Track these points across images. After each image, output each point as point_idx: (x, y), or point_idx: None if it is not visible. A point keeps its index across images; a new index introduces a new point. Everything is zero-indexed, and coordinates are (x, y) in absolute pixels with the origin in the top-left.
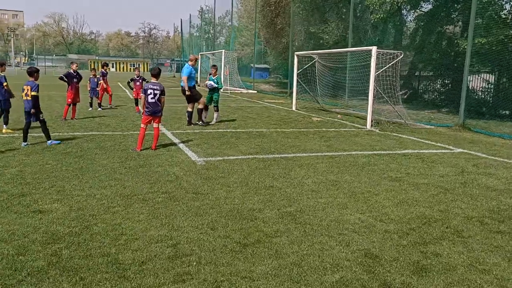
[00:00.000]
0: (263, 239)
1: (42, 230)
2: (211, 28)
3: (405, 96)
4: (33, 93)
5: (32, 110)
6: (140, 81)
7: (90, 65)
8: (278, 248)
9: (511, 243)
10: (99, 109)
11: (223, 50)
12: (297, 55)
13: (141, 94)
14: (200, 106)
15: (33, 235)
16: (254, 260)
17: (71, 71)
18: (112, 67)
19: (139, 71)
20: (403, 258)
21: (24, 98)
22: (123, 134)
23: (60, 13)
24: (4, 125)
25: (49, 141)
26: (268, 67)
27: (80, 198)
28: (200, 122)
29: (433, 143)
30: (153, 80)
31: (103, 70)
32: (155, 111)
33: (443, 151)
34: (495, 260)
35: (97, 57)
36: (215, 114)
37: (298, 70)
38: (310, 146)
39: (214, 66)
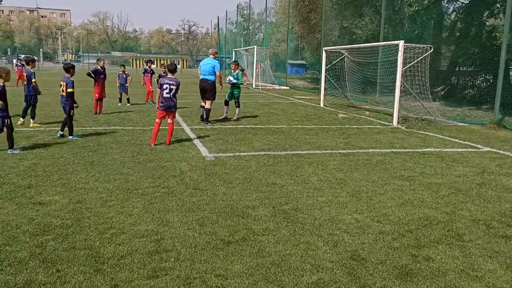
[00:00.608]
0: (249, 237)
1: (36, 221)
2: (250, 24)
3: (443, 92)
4: (68, 90)
5: (75, 105)
6: (150, 74)
7: (132, 62)
8: (261, 247)
9: None
10: (128, 104)
11: (255, 47)
12: (325, 51)
13: (157, 89)
14: (207, 106)
15: (26, 226)
16: (233, 258)
17: (99, 67)
18: (153, 63)
19: (151, 64)
20: (390, 261)
21: (61, 93)
22: (143, 129)
23: (105, 12)
24: (32, 119)
25: (71, 136)
26: (305, 63)
27: (82, 191)
28: (208, 123)
29: (460, 141)
30: (170, 75)
31: (146, 67)
32: (169, 106)
33: (469, 149)
34: (491, 266)
35: (139, 54)
36: (237, 110)
37: (327, 65)
38: (326, 143)
39: (234, 62)
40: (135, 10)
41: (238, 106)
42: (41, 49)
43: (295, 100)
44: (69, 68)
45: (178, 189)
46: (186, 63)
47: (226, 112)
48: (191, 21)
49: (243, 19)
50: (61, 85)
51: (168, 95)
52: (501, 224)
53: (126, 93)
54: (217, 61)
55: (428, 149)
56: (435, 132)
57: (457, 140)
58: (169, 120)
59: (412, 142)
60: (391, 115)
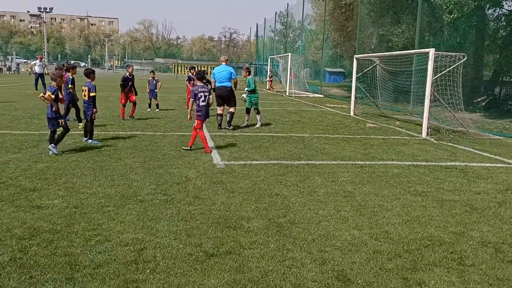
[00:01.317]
0: (234, 250)
1: (27, 225)
2: (290, 31)
3: (484, 103)
4: (91, 94)
5: (94, 110)
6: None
7: (174, 68)
8: (244, 262)
9: None
10: (157, 110)
11: (289, 54)
12: (357, 59)
13: (191, 99)
14: (232, 110)
15: (16, 230)
16: (211, 272)
17: (127, 74)
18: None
19: (194, 70)
20: (378, 284)
21: (83, 98)
22: (163, 134)
23: (150, 20)
24: (79, 122)
25: (90, 140)
26: (343, 71)
27: (82, 196)
28: (231, 127)
29: (490, 155)
30: (199, 83)
31: (189, 74)
32: (207, 113)
33: (497, 165)
34: None
35: (180, 61)
36: (258, 117)
37: (358, 73)
38: (345, 153)
39: (247, 68)
40: (179, 18)
41: (258, 113)
42: (89, 56)
43: (325, 109)
44: (89, 73)
45: (177, 197)
46: None
47: (247, 120)
48: (231, 29)
49: (283, 26)
50: (83, 90)
51: (204, 103)
52: (511, 248)
53: (156, 98)
54: (231, 67)
55: (452, 163)
56: (466, 145)
57: (487, 154)
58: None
59: (437, 155)
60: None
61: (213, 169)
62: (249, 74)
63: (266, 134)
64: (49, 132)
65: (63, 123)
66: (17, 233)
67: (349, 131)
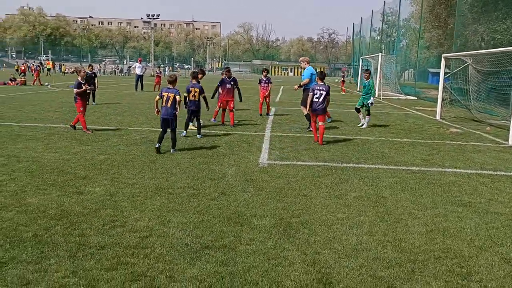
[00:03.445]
0: (229, 245)
1: (62, 208)
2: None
3: None
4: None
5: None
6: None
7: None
8: (233, 256)
9: None
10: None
11: (380, 54)
12: (445, 58)
13: (310, 93)
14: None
15: (51, 211)
16: (197, 262)
17: (225, 76)
18: (291, 71)
19: (267, 73)
20: None
21: (192, 99)
22: (225, 133)
23: (250, 23)
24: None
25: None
26: (449, 71)
27: (122, 186)
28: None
29: None
30: (320, 82)
31: (262, 76)
32: (322, 109)
33: None
34: None
35: (277, 62)
36: (367, 118)
37: (447, 74)
38: (403, 158)
39: (366, 70)
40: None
41: (368, 115)
42: (192, 58)
43: (410, 112)
44: (197, 75)
45: (205, 192)
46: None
47: (363, 118)
48: (330, 29)
49: (386, 26)
50: (192, 91)
51: (317, 100)
52: None
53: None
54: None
55: None
56: None
57: None
58: (320, 123)
59: None
60: None
61: (254, 168)
62: (369, 77)
63: (328, 136)
64: (171, 135)
65: (173, 126)
66: (50, 214)
67: (423, 135)
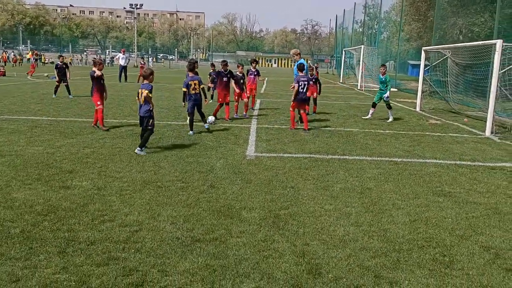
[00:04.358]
0: (220, 238)
1: (49, 203)
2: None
3: None
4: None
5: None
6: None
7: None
8: (224, 249)
9: (511, 285)
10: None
11: (362, 46)
12: (425, 51)
13: (295, 84)
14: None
15: (38, 207)
16: (188, 256)
17: (222, 70)
18: (275, 62)
19: (256, 63)
20: (347, 279)
21: (193, 92)
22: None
23: (234, 13)
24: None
25: (206, 125)
26: (428, 64)
27: (110, 179)
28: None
29: None
30: (301, 73)
31: (251, 67)
32: (307, 99)
33: None
34: None
35: (261, 54)
36: (390, 112)
37: (427, 67)
38: (386, 149)
39: (383, 65)
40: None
41: (390, 108)
42: (176, 49)
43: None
44: (147, 75)
45: (194, 185)
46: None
47: (371, 114)
48: (313, 21)
49: (368, 18)
50: (193, 84)
51: (302, 90)
52: None
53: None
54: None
55: (502, 164)
56: None
57: None
58: (302, 111)
59: (490, 154)
60: (496, 124)
61: (242, 160)
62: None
63: (313, 127)
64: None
65: (151, 123)
66: (37, 209)
67: (404, 127)
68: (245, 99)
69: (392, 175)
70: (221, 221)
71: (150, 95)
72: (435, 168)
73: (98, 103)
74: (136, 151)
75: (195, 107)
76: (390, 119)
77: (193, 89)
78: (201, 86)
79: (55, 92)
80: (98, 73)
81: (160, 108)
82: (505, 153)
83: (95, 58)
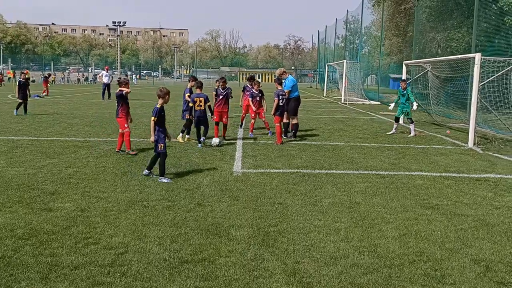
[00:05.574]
0: (209, 258)
1: (31, 226)
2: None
3: None
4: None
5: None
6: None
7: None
8: (213, 269)
9: None
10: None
11: (345, 61)
12: (406, 65)
13: (276, 98)
14: (294, 121)
15: (19, 230)
16: (177, 278)
17: (219, 87)
18: (259, 78)
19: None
20: None
21: (197, 108)
22: (196, 141)
23: (218, 30)
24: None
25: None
26: (409, 77)
27: (93, 200)
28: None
29: None
30: (279, 87)
31: (247, 85)
32: (282, 111)
33: None
34: None
35: (245, 69)
36: (411, 126)
37: (408, 80)
38: (372, 163)
39: (403, 80)
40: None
41: (412, 122)
42: (160, 65)
43: (375, 117)
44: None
45: (180, 204)
46: None
47: (395, 129)
48: (296, 36)
49: (349, 33)
50: (197, 101)
51: (282, 104)
52: (507, 267)
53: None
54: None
55: (486, 175)
56: None
57: None
58: (278, 124)
59: (474, 166)
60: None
61: (229, 177)
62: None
63: (299, 142)
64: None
65: (162, 148)
66: (18, 233)
67: (389, 140)
68: (263, 118)
69: (379, 188)
70: (209, 240)
71: (154, 119)
72: (422, 180)
73: (126, 125)
74: (158, 180)
75: (199, 123)
76: (412, 133)
77: (198, 106)
78: (208, 104)
79: (25, 111)
80: (127, 90)
81: (145, 126)
82: (488, 164)
83: (120, 78)
